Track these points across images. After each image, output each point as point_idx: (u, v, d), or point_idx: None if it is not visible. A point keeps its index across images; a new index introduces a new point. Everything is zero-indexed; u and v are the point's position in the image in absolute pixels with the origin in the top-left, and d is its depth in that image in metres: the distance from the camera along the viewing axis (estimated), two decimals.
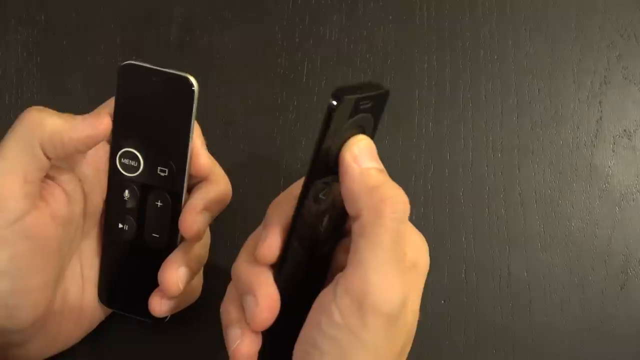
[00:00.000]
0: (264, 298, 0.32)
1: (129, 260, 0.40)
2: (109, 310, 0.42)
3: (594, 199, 0.48)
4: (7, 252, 0.33)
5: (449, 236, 0.47)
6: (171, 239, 0.39)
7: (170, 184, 0.38)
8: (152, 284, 0.38)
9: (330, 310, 0.30)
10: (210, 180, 0.39)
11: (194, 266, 0.39)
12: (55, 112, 0.36)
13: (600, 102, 0.49)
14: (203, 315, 0.43)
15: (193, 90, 0.36)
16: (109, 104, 0.38)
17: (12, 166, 0.34)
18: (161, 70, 0.37)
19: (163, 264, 0.38)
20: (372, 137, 0.33)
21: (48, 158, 0.35)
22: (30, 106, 0.36)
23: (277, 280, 0.34)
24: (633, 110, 0.49)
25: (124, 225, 0.39)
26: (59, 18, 0.49)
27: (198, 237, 0.38)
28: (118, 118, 0.37)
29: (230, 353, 0.33)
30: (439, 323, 0.46)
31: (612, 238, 0.48)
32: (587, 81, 0.49)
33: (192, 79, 0.36)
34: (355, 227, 0.31)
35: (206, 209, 0.38)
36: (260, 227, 0.35)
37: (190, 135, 0.37)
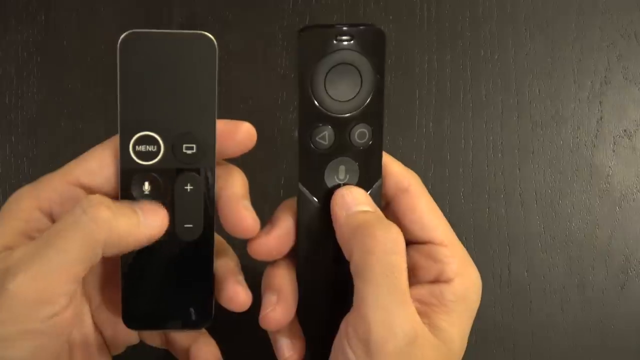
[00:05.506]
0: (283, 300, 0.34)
1: (159, 265, 0.34)
2: None
3: (595, 199, 0.48)
4: (33, 344, 0.31)
5: None
6: (207, 225, 0.34)
7: (200, 161, 0.33)
8: (191, 285, 0.34)
9: (346, 352, 0.31)
10: (225, 170, 0.35)
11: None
12: (116, 205, 0.32)
13: (600, 102, 0.49)
14: None
15: (214, 47, 0.32)
16: (113, 142, 0.33)
17: (70, 262, 0.31)
18: (173, 33, 0.32)
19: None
20: (374, 80, 0.33)
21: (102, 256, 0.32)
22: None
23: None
24: (633, 110, 0.49)
25: None
26: (59, 18, 0.49)
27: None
28: (125, 100, 0.33)
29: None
30: None
31: (613, 238, 0.48)
32: (588, 81, 0.49)
33: (210, 35, 0.32)
34: (352, 269, 0.31)
35: (244, 197, 0.34)
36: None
37: (216, 98, 0.33)
